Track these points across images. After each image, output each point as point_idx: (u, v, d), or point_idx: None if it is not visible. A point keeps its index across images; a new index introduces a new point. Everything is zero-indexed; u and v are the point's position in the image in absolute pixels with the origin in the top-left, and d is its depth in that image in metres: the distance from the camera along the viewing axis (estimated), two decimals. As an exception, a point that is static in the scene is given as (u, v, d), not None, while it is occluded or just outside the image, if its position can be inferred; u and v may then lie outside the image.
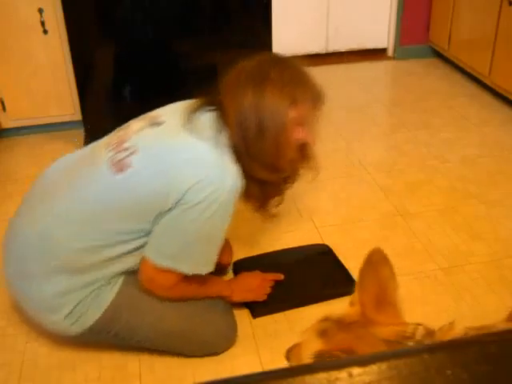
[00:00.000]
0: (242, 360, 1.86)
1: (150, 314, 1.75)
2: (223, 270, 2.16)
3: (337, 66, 4.31)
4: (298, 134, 1.67)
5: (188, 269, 1.66)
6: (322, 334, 1.11)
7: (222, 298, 1.91)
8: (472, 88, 3.84)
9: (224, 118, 1.65)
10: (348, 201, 2.67)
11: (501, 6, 3.36)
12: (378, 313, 1.09)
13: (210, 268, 1.71)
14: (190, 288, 1.78)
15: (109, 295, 1.70)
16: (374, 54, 4.47)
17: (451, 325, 1.02)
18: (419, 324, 1.03)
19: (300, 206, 2.63)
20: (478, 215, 2.53)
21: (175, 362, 1.83)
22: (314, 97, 1.73)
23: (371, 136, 3.30)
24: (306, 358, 1.09)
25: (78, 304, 1.66)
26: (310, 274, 2.19)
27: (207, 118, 1.68)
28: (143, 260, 1.66)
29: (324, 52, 4.42)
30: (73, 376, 1.80)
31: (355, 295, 1.17)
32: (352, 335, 1.06)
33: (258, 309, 2.03)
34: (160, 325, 1.76)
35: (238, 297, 1.96)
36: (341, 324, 1.11)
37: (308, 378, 0.51)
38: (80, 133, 3.23)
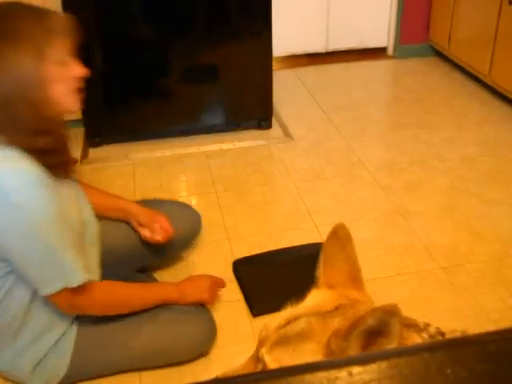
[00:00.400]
0: (241, 359, 1.86)
1: (115, 350, 1.69)
2: (161, 251, 2.02)
3: (337, 65, 4.31)
4: (58, 81, 1.42)
5: (78, 277, 1.47)
6: (301, 336, 0.95)
7: (172, 302, 1.76)
8: (472, 87, 3.84)
9: None
10: (348, 200, 2.67)
11: (501, 5, 3.36)
12: (357, 291, 1.00)
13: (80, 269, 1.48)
14: (126, 295, 1.69)
15: (68, 343, 1.63)
16: (374, 53, 4.47)
17: (464, 333, 0.98)
18: (427, 323, 0.97)
19: (300, 205, 2.63)
20: (478, 214, 2.53)
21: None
22: (56, 31, 1.41)
23: (371, 135, 3.30)
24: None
25: (40, 361, 1.61)
26: (310, 273, 2.18)
27: None
28: (48, 298, 1.51)
29: (324, 51, 4.42)
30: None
31: (320, 276, 1.09)
32: (350, 315, 0.93)
33: (258, 307, 2.03)
34: (127, 354, 1.71)
35: (189, 299, 1.80)
36: (322, 315, 0.96)
37: (308, 377, 0.51)
38: (80, 131, 3.23)
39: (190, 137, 3.27)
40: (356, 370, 0.51)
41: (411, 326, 0.95)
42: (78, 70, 1.47)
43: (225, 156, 3.10)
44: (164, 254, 2.09)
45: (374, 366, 0.52)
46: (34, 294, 1.53)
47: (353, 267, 1.06)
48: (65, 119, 1.55)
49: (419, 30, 4.34)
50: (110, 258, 1.78)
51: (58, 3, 2.83)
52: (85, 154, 3.13)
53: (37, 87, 1.37)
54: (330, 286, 1.04)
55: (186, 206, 2.22)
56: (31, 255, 1.43)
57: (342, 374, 0.51)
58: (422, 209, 2.58)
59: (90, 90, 3.15)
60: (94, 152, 3.16)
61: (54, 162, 1.45)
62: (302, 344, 0.94)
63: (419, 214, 2.54)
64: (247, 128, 3.34)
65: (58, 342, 1.62)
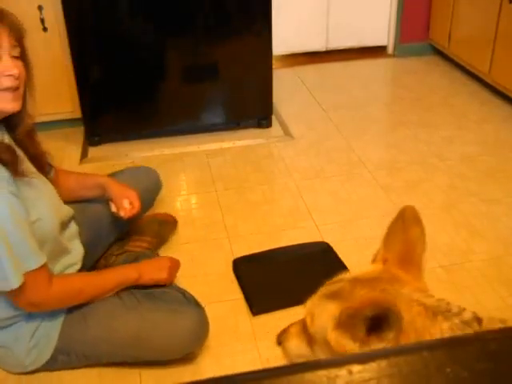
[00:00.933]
0: (241, 357, 1.86)
1: (99, 327, 1.71)
2: (124, 224, 2.09)
3: (336, 63, 4.31)
4: None
5: (16, 279, 1.47)
6: (334, 295, 0.99)
7: (132, 282, 1.77)
8: (472, 86, 3.84)
9: None
10: (348, 199, 2.67)
11: (501, 4, 3.36)
12: (403, 272, 1.02)
13: (37, 256, 1.51)
14: (83, 283, 1.71)
15: (59, 313, 1.70)
16: (373, 52, 4.47)
17: (503, 322, 0.95)
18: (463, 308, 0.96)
19: (300, 204, 2.63)
20: (477, 213, 2.53)
21: (175, 359, 1.83)
22: None
23: (371, 134, 3.30)
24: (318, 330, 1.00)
25: (34, 333, 1.67)
26: (310, 272, 2.19)
27: None
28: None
29: (324, 50, 4.42)
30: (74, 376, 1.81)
31: (379, 251, 1.10)
32: (378, 290, 0.96)
33: (257, 306, 2.03)
34: (113, 335, 1.72)
35: (148, 276, 1.80)
36: (359, 281, 1.00)
37: (308, 375, 0.51)
38: (80, 130, 3.24)
39: (190, 135, 3.27)
40: (356, 368, 0.51)
41: (439, 312, 0.96)
42: (10, 69, 1.44)
43: (225, 155, 3.10)
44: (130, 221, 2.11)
45: (373, 365, 0.52)
46: None
47: (410, 250, 1.05)
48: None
49: (419, 28, 4.34)
50: (92, 231, 1.95)
51: (57, 0, 2.84)
52: (84, 153, 3.13)
53: None
54: (384, 263, 1.05)
55: (145, 168, 2.36)
56: None
57: (342, 372, 0.51)
58: (422, 207, 2.55)
59: (89, 89, 3.16)
60: (93, 151, 3.16)
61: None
62: (328, 303, 0.99)
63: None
64: (247, 127, 3.34)
65: (51, 311, 1.68)
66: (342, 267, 2.19)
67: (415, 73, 4.14)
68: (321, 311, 1.02)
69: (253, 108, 3.32)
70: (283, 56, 4.32)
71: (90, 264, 1.96)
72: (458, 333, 0.92)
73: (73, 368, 1.80)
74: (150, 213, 2.34)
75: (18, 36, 1.48)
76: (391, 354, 0.54)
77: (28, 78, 1.54)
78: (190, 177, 2.97)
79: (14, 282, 1.46)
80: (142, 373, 1.79)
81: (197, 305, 1.80)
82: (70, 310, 1.73)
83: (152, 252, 2.21)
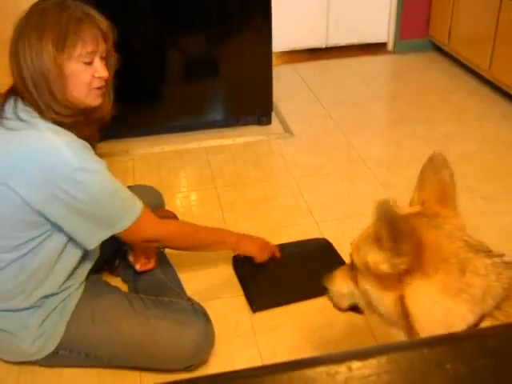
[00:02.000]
0: (241, 354, 1.87)
1: (105, 326, 1.74)
2: None
3: (337, 60, 4.30)
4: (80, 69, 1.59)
5: (123, 223, 1.64)
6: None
7: (229, 245, 2.01)
8: (472, 82, 3.84)
9: (18, 88, 1.57)
10: (348, 195, 2.67)
11: (501, 1, 3.35)
12: (446, 209, 1.11)
13: (136, 200, 1.69)
14: (193, 228, 1.90)
15: (69, 308, 1.74)
16: (374, 49, 4.46)
17: None
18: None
19: (300, 201, 2.63)
20: (476, 210, 2.53)
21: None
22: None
23: (371, 131, 3.30)
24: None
25: (43, 322, 1.70)
26: (310, 269, 2.19)
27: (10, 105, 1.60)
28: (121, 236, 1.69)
29: (324, 46, 4.42)
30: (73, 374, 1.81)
31: (414, 196, 1.22)
32: (424, 223, 1.06)
33: (257, 303, 2.03)
34: (117, 337, 1.73)
35: (244, 244, 2.03)
36: (404, 217, 1.07)
37: (308, 372, 0.51)
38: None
39: (190, 132, 3.27)
40: (355, 364, 0.52)
41: (481, 250, 1.04)
42: (100, 72, 1.61)
43: (225, 152, 3.10)
44: None
45: (373, 361, 0.52)
46: (60, 253, 1.68)
47: (443, 190, 1.16)
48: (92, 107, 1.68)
49: (419, 25, 4.34)
50: None
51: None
52: (85, 150, 3.13)
53: (55, 79, 1.53)
54: (422, 204, 1.15)
55: (151, 187, 2.44)
56: (88, 214, 1.58)
57: (342, 368, 0.51)
58: (422, 204, 2.58)
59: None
60: (93, 148, 3.16)
61: (77, 135, 1.61)
62: (371, 236, 1.11)
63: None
64: (247, 124, 3.34)
65: (61, 304, 1.72)
66: (341, 264, 2.19)
67: (415, 69, 4.14)
68: (365, 243, 1.15)
69: (253, 105, 3.32)
70: (283, 53, 4.31)
71: (96, 267, 1.96)
72: (501, 271, 0.99)
73: (72, 366, 1.80)
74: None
75: (108, 38, 1.63)
76: (391, 351, 0.54)
77: (110, 75, 1.70)
78: (189, 174, 2.97)
79: (123, 226, 1.63)
80: (141, 371, 1.80)
81: (204, 317, 1.81)
82: (79, 305, 1.75)
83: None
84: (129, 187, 2.38)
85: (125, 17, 2.96)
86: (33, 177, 1.51)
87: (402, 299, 1.05)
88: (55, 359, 1.76)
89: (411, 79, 3.98)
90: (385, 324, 1.22)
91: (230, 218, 2.52)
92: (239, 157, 3.04)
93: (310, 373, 0.51)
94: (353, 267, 1.23)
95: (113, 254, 2.12)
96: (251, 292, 2.09)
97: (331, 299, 1.43)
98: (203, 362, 1.80)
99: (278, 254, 2.16)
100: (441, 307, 0.99)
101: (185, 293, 1.97)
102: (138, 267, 2.04)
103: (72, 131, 1.59)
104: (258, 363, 1.82)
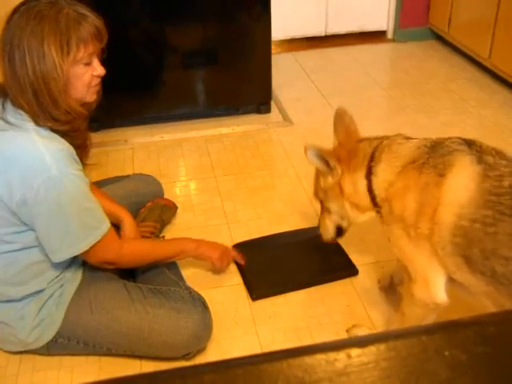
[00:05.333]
0: (241, 342, 1.87)
1: (103, 315, 1.74)
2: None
3: (336, 48, 4.29)
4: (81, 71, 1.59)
5: (84, 243, 1.62)
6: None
7: (189, 251, 1.96)
8: (472, 70, 3.83)
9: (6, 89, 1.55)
10: (347, 184, 2.67)
11: (501, -12, 3.34)
12: (349, 138, 1.78)
13: (104, 222, 1.66)
14: (151, 246, 1.91)
15: (66, 296, 1.75)
16: (373, 37, 4.45)
17: None
18: None
19: (299, 189, 2.63)
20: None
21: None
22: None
23: (371, 119, 3.29)
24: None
25: (39, 312, 1.71)
26: (310, 257, 2.20)
27: None
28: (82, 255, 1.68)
29: (323, 35, 4.40)
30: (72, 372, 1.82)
31: (334, 139, 1.84)
32: (341, 146, 1.79)
33: (257, 291, 2.04)
34: (114, 325, 1.74)
35: (202, 252, 2.00)
36: (324, 148, 1.74)
37: (307, 359, 0.51)
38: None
39: (189, 121, 3.26)
40: (355, 352, 0.52)
41: (376, 142, 1.71)
42: (99, 70, 1.64)
43: (224, 140, 3.09)
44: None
45: (372, 348, 0.52)
46: None
47: (348, 127, 1.82)
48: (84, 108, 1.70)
49: (419, 13, 4.32)
50: None
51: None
52: (83, 139, 3.12)
53: (59, 85, 1.53)
54: (339, 141, 1.81)
55: (150, 176, 2.47)
56: (52, 224, 1.57)
57: (341, 355, 0.51)
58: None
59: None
60: (92, 137, 3.12)
61: (71, 143, 1.62)
62: (316, 179, 1.86)
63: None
64: (246, 112, 3.34)
65: (57, 293, 1.73)
66: (340, 252, 2.20)
67: (415, 58, 4.12)
68: (316, 183, 1.86)
69: (252, 93, 3.31)
70: (282, 41, 4.30)
71: None
72: (375, 143, 1.71)
73: (71, 355, 1.81)
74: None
75: (104, 36, 1.62)
76: (390, 338, 0.54)
77: None
78: (189, 162, 2.97)
79: (83, 247, 1.61)
80: (142, 359, 1.81)
81: (202, 305, 1.81)
82: (77, 293, 1.76)
83: (157, 236, 2.27)
84: (128, 176, 2.41)
85: (123, 5, 2.94)
86: (13, 177, 1.51)
87: (342, 190, 1.73)
88: (54, 348, 1.77)
89: (411, 67, 3.97)
90: (355, 220, 1.81)
91: (229, 207, 2.52)
92: (238, 145, 3.03)
93: (309, 360, 0.51)
94: (322, 205, 1.90)
95: None
96: (251, 280, 2.09)
97: (323, 238, 1.98)
98: (201, 349, 1.81)
99: (240, 261, 2.14)
100: (353, 183, 1.69)
101: (183, 281, 1.98)
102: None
103: (65, 138, 1.59)
104: (258, 351, 1.83)
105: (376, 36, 4.46)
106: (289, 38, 4.34)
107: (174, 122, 3.25)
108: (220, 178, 2.75)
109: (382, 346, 0.53)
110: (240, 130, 3.19)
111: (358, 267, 2.14)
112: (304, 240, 2.27)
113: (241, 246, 2.25)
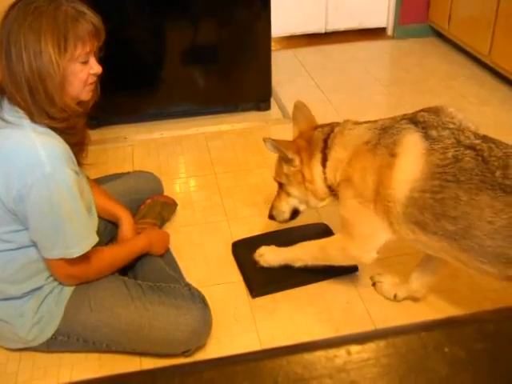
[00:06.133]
0: (241, 339, 1.88)
1: (103, 312, 1.74)
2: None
3: (336, 45, 4.28)
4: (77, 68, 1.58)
5: (76, 249, 1.61)
6: None
7: (143, 252, 1.95)
8: (471, 67, 3.82)
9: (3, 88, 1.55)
10: (347, 181, 2.67)
11: (501, -15, 3.33)
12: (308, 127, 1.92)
13: (91, 235, 1.66)
14: (113, 257, 1.82)
15: (65, 293, 1.75)
16: (373, 34, 4.44)
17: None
18: None
19: (299, 187, 2.63)
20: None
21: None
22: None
23: (370, 116, 3.25)
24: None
25: (38, 309, 1.71)
26: (309, 254, 2.19)
27: None
28: (47, 262, 1.66)
29: (323, 31, 4.39)
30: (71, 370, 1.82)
31: (293, 130, 1.98)
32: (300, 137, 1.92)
33: (257, 288, 2.04)
34: (114, 322, 1.74)
35: (155, 244, 2.01)
36: (283, 140, 1.91)
37: (307, 356, 0.52)
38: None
39: (189, 118, 3.26)
40: (354, 348, 0.52)
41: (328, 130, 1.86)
42: (96, 69, 1.63)
43: (223, 138, 3.09)
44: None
45: (372, 345, 0.52)
46: None
47: (307, 117, 1.96)
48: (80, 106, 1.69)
49: (419, 10, 4.31)
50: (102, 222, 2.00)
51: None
52: (83, 136, 3.12)
53: (55, 82, 1.52)
54: (300, 131, 1.94)
55: (148, 173, 2.46)
56: (43, 221, 1.56)
57: (341, 352, 0.51)
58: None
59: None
60: (91, 134, 3.10)
61: (68, 141, 1.61)
62: (278, 164, 1.99)
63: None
64: (246, 109, 3.33)
65: (56, 290, 1.74)
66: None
67: (415, 55, 4.12)
68: (278, 168, 1.98)
69: (252, 90, 3.31)
70: (282, 38, 4.29)
71: None
72: (326, 130, 1.85)
73: (71, 352, 1.81)
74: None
75: (102, 35, 1.61)
76: (389, 335, 0.54)
77: None
78: (188, 160, 2.96)
79: (76, 252, 1.59)
80: (141, 355, 1.81)
81: (202, 302, 1.81)
82: (76, 291, 1.76)
83: None
84: (128, 173, 2.41)
85: (123, 2, 2.94)
86: (10, 173, 1.51)
87: (304, 177, 1.86)
88: (54, 345, 1.77)
89: (411, 64, 3.96)
90: (315, 205, 1.95)
91: (229, 204, 2.52)
92: (238, 143, 3.03)
93: (309, 357, 0.52)
94: (280, 186, 2.00)
95: (109, 242, 2.13)
96: (251, 278, 2.09)
97: (277, 219, 2.08)
98: (201, 346, 1.81)
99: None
100: (311, 169, 1.83)
101: (183, 278, 1.98)
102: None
103: (62, 136, 1.58)
104: (257, 348, 1.83)
105: (376, 33, 4.45)
106: (288, 34, 4.33)
107: (174, 119, 3.25)
108: (220, 175, 2.75)
109: (382, 343, 0.53)
110: (240, 127, 3.18)
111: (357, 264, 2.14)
112: (304, 236, 2.27)
113: (241, 244, 2.25)
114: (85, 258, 1.65)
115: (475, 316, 0.58)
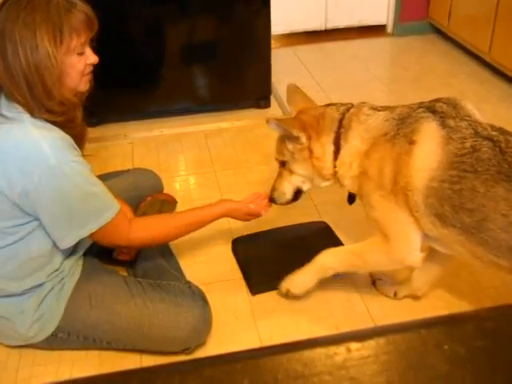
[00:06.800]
0: (240, 336, 1.88)
1: (103, 309, 1.74)
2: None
3: (336, 43, 4.28)
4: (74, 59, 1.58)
5: (93, 225, 1.61)
6: None
7: (219, 217, 1.96)
8: (471, 65, 3.82)
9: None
10: (347, 179, 2.67)
11: (501, -18, 3.33)
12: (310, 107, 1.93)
13: (113, 206, 1.64)
14: (165, 225, 1.83)
15: (65, 291, 1.75)
16: (373, 31, 4.44)
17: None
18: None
19: (299, 184, 2.63)
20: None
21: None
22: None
23: (370, 114, 3.29)
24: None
25: (39, 306, 1.71)
26: (309, 251, 2.19)
27: None
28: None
29: (323, 29, 4.39)
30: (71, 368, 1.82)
31: (290, 110, 1.97)
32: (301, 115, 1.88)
33: (257, 286, 2.04)
34: (114, 320, 1.74)
35: (238, 217, 2.01)
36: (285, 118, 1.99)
37: (307, 353, 0.52)
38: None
39: (189, 116, 3.26)
40: (354, 345, 0.52)
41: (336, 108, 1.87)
42: (92, 59, 1.64)
43: (223, 135, 3.09)
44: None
45: (371, 342, 0.53)
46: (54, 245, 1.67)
47: (302, 98, 1.97)
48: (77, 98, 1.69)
49: (419, 7, 4.31)
50: None
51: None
52: (83, 134, 3.12)
53: (53, 75, 1.52)
54: (300, 110, 1.90)
55: (148, 170, 2.46)
56: (56, 212, 1.57)
57: (341, 349, 0.51)
58: (421, 187, 2.57)
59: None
60: (91, 131, 3.09)
61: (68, 134, 1.60)
62: (280, 141, 1.91)
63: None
64: (246, 107, 3.33)
65: (57, 287, 1.73)
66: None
67: (415, 52, 4.12)
68: (280, 145, 1.89)
69: (251, 88, 3.31)
70: (282, 35, 4.29)
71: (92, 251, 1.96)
72: (342, 109, 1.85)
73: (71, 349, 1.81)
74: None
75: (96, 24, 1.62)
76: (389, 332, 0.54)
77: None
78: (188, 157, 2.96)
79: (92, 228, 1.60)
80: (142, 353, 1.81)
81: (202, 300, 1.82)
82: (77, 288, 1.76)
83: None
84: (128, 171, 2.40)
85: (121, 3, 2.93)
86: (11, 169, 1.50)
87: (311, 153, 1.80)
88: (54, 342, 1.77)
89: (411, 62, 3.96)
90: (317, 185, 1.93)
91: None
92: (238, 140, 3.03)
93: (309, 354, 0.52)
94: (282, 165, 1.92)
95: None
96: (250, 275, 2.10)
97: (278, 201, 2.01)
98: (201, 344, 1.81)
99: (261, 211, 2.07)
100: (321, 146, 1.79)
101: (183, 276, 1.98)
102: (114, 254, 2.05)
103: (62, 129, 1.58)
104: (257, 345, 1.83)
105: (376, 30, 4.44)
106: (288, 32, 4.32)
107: (174, 117, 3.25)
108: (219, 172, 2.75)
109: (382, 340, 0.53)
110: (240, 125, 3.18)
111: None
112: (303, 234, 2.28)
113: (240, 241, 2.25)
114: (126, 225, 1.68)
115: (475, 313, 0.58)
